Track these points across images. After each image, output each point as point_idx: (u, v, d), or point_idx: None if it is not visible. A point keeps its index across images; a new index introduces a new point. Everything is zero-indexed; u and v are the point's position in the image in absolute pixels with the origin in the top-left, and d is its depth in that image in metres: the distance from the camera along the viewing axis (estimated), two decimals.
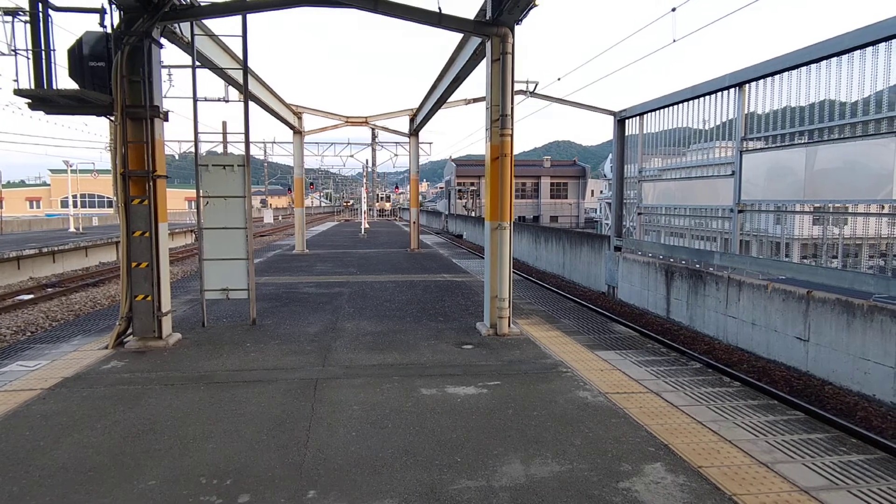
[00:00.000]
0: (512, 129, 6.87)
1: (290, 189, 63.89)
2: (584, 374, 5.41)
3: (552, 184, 54.38)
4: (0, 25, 5.92)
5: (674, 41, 10.85)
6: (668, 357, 6.12)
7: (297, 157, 18.46)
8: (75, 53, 6.11)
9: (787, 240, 8.76)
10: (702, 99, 10.38)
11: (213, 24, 8.58)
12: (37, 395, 4.79)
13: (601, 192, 50.18)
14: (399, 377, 5.29)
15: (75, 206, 34.77)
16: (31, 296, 14.00)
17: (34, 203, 66.14)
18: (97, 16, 6.11)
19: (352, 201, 73.89)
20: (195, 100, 7.03)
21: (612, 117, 13.58)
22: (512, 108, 6.86)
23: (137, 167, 6.29)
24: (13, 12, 5.87)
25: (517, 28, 6.90)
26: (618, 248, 13.54)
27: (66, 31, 8.24)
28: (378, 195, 59.64)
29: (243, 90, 7.50)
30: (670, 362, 5.89)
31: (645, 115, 12.49)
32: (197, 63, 7.27)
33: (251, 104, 10.63)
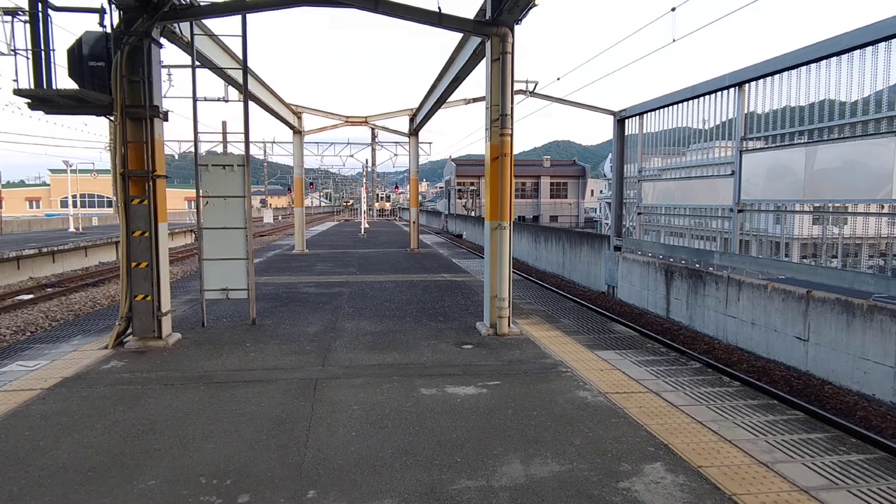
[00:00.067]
0: (512, 128, 6.87)
1: (290, 189, 63.91)
2: (583, 374, 5.41)
3: (552, 183, 54.40)
4: (0, 25, 5.92)
5: (673, 41, 10.86)
6: (667, 357, 6.12)
7: (297, 157, 18.46)
8: (75, 53, 6.11)
9: (786, 239, 8.76)
10: (701, 99, 10.38)
11: (213, 23, 8.58)
12: (36, 395, 4.79)
13: (601, 191, 50.19)
14: (399, 377, 5.29)
15: (75, 206, 34.76)
16: (30, 296, 14.00)
17: (34, 203, 66.13)
18: (97, 16, 6.11)
19: (351, 201, 73.91)
20: (195, 99, 7.03)
21: (611, 117, 13.58)
22: (512, 108, 6.86)
23: (137, 167, 6.29)
24: (13, 12, 5.87)
25: (517, 28, 6.90)
26: (617, 248, 13.54)
27: (66, 30, 8.24)
28: (378, 195, 59.64)
29: (243, 90, 7.50)
30: (670, 362, 5.89)
31: (645, 115, 12.49)
32: (197, 63, 7.27)
33: (251, 104, 10.63)
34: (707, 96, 10.19)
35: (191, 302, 9.07)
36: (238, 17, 7.11)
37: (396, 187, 75.26)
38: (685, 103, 10.92)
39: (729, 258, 9.64)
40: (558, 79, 15.53)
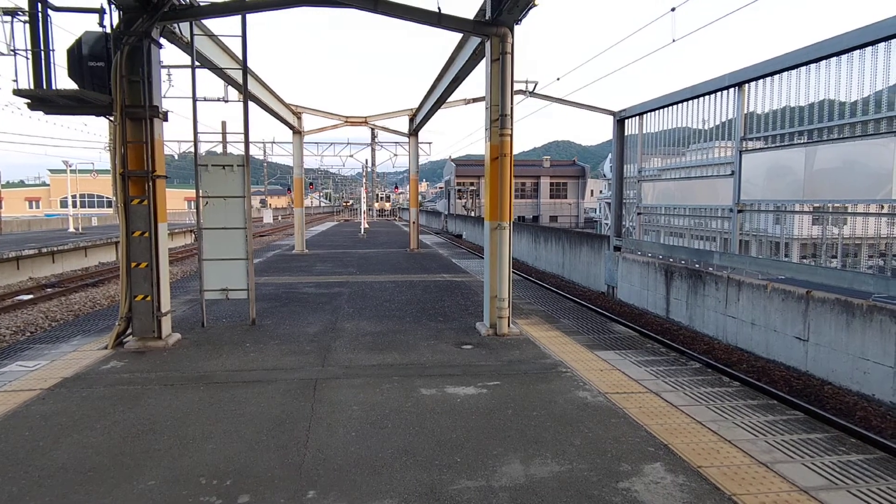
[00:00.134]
0: (511, 128, 6.87)
1: (290, 189, 63.92)
2: (583, 374, 5.41)
3: (552, 184, 54.42)
4: (0, 25, 5.92)
5: (673, 41, 10.86)
6: (667, 357, 6.13)
7: (297, 157, 18.46)
8: (74, 53, 6.11)
9: (786, 240, 8.77)
10: (701, 99, 10.38)
11: (213, 24, 8.58)
12: (36, 395, 4.79)
13: (601, 191, 50.19)
14: (399, 377, 5.29)
15: (75, 206, 34.75)
16: (30, 296, 14.00)
17: (33, 203, 66.13)
18: (96, 16, 6.11)
19: (351, 201, 73.91)
20: (194, 100, 7.03)
21: (611, 117, 13.59)
22: (511, 108, 6.86)
23: (137, 167, 6.28)
24: (12, 12, 5.87)
25: (517, 28, 6.90)
26: (617, 248, 13.54)
27: (66, 31, 8.23)
28: (378, 195, 59.66)
29: (243, 90, 7.50)
30: (670, 362, 5.89)
31: (644, 115, 12.49)
32: (196, 63, 7.27)
33: (251, 104, 10.63)
34: (707, 96, 10.20)
35: (191, 302, 9.07)
36: (238, 17, 7.12)
37: (396, 187, 75.28)
38: (685, 103, 10.92)
39: (729, 258, 9.64)
40: (558, 79, 15.53)
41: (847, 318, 7.03)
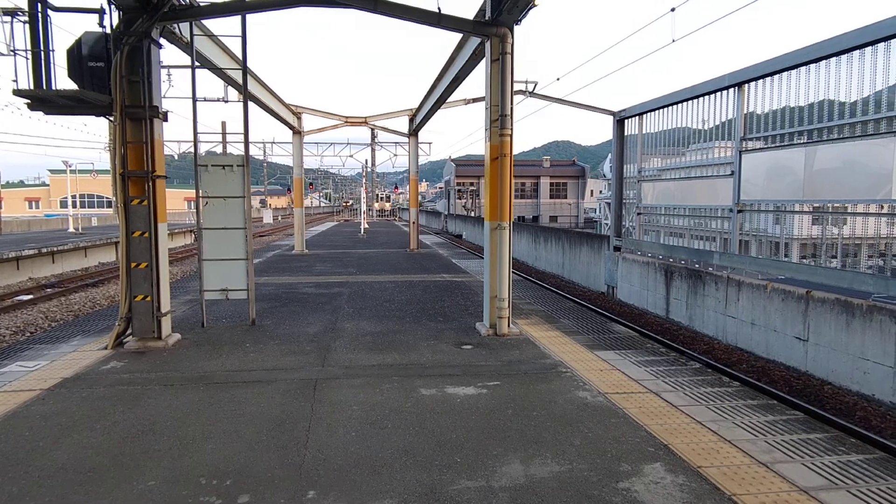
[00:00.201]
0: (511, 129, 6.87)
1: (290, 189, 63.91)
2: (583, 374, 5.41)
3: (551, 184, 54.42)
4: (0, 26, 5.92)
5: (673, 41, 10.86)
6: (667, 357, 6.13)
7: (297, 158, 18.46)
8: (74, 54, 6.11)
9: (786, 240, 8.77)
10: (701, 99, 10.38)
11: (213, 24, 8.58)
12: (36, 395, 4.79)
13: (600, 192, 50.20)
14: (399, 377, 5.29)
15: (74, 206, 34.75)
16: (30, 296, 13.99)
17: (33, 203, 66.12)
18: (96, 16, 6.11)
19: (351, 201, 73.89)
20: (194, 100, 7.03)
21: (611, 117, 13.59)
22: (511, 108, 6.86)
23: (137, 167, 6.28)
24: (12, 12, 5.87)
25: (516, 28, 6.90)
26: (617, 248, 13.54)
27: (65, 31, 8.24)
28: (377, 195, 59.65)
29: (242, 90, 7.50)
30: (670, 362, 5.89)
31: (644, 115, 12.49)
32: (196, 63, 7.27)
33: (250, 104, 10.62)
34: (706, 96, 10.20)
35: (190, 302, 9.07)
36: (238, 18, 7.12)
37: (396, 187, 75.27)
38: (685, 103, 10.92)
39: (728, 258, 9.64)
40: (558, 79, 15.54)
41: (847, 318, 7.03)
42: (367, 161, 39.99)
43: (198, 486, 3.28)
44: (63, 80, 6.21)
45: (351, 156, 40.71)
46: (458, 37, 10.05)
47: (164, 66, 6.91)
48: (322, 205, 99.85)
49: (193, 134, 7.07)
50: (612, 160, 14.44)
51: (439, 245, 22.14)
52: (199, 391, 4.92)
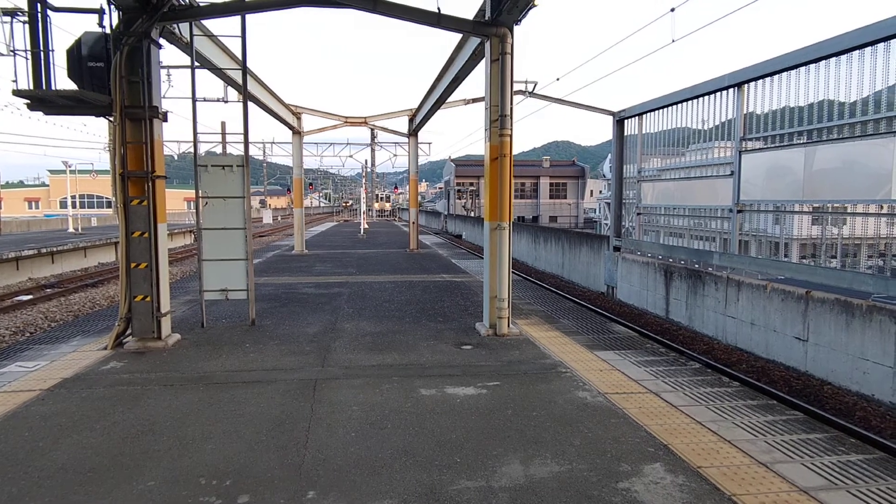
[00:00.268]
0: (511, 129, 6.87)
1: (290, 189, 63.91)
2: (583, 375, 5.41)
3: (551, 184, 54.42)
4: None
5: (673, 41, 10.86)
6: (667, 357, 6.13)
7: (297, 158, 18.45)
8: (74, 54, 6.11)
9: (786, 240, 8.77)
10: (701, 99, 10.38)
11: (212, 24, 8.58)
12: (36, 395, 4.79)
13: (600, 192, 50.20)
14: (398, 378, 5.29)
15: (74, 206, 34.75)
16: (30, 296, 13.99)
17: (33, 203, 66.11)
18: (96, 16, 6.11)
19: (351, 201, 73.89)
20: (194, 100, 7.03)
21: (611, 117, 13.59)
22: (511, 109, 6.86)
23: (136, 168, 6.28)
24: (12, 13, 5.87)
25: (516, 28, 6.90)
26: (617, 249, 13.55)
27: (65, 31, 8.24)
28: (377, 195, 59.65)
29: (242, 90, 7.50)
30: (669, 362, 5.89)
31: (644, 116, 12.49)
32: (196, 63, 7.27)
33: (250, 104, 10.62)
34: (706, 97, 10.20)
35: (190, 303, 9.07)
36: (237, 18, 7.12)
37: (396, 188, 75.25)
38: (684, 104, 10.92)
39: (728, 258, 9.64)
40: (558, 79, 15.53)
41: (846, 318, 7.03)
42: (366, 161, 40.02)
43: (197, 487, 3.28)
44: (63, 81, 6.22)
45: (351, 156, 40.76)
46: (457, 37, 10.05)
47: (163, 67, 6.91)
48: (322, 205, 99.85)
49: (193, 134, 7.07)
50: (611, 160, 14.44)
51: (439, 245, 22.14)
52: (199, 391, 4.92)
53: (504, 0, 6.52)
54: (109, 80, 6.07)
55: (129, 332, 6.49)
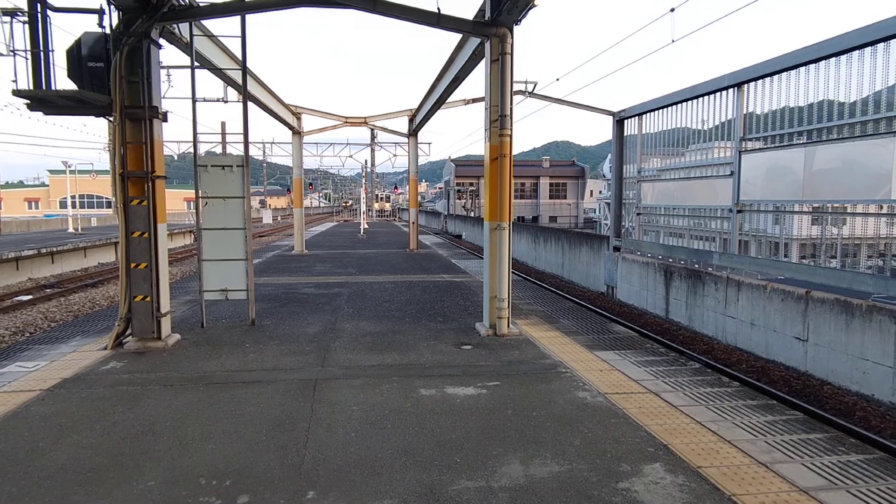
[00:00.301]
0: (511, 129, 6.87)
1: (289, 189, 63.88)
2: (583, 375, 5.41)
3: (551, 184, 54.42)
4: None
5: (672, 41, 10.86)
6: (667, 357, 6.13)
7: (296, 158, 18.45)
8: (74, 54, 6.11)
9: (785, 240, 8.77)
10: (701, 99, 10.38)
11: (212, 24, 8.59)
12: (36, 396, 4.79)
13: (600, 192, 50.20)
14: (398, 378, 5.29)
15: (74, 206, 34.75)
16: (29, 296, 13.98)
17: (33, 204, 66.10)
18: (96, 16, 6.11)
19: (351, 202, 73.87)
20: (194, 100, 7.03)
21: (610, 117, 13.59)
22: (511, 109, 6.86)
23: (136, 168, 6.28)
24: (12, 13, 5.87)
25: (516, 28, 6.90)
26: (617, 249, 13.55)
27: (65, 31, 8.24)
28: (377, 195, 59.64)
29: (242, 91, 7.50)
30: (669, 362, 5.89)
31: (644, 116, 12.50)
32: (196, 64, 7.27)
33: (250, 105, 10.62)
34: (706, 97, 10.20)
35: (190, 303, 9.07)
36: (237, 18, 7.12)
37: (396, 188, 75.25)
38: (684, 104, 10.93)
39: (728, 258, 9.64)
40: (557, 79, 15.53)
41: (846, 318, 7.03)
42: (366, 161, 40.01)
43: (197, 487, 3.28)
44: (63, 81, 6.22)
45: (350, 156, 40.75)
46: (457, 37, 10.05)
47: (163, 67, 6.91)
48: (322, 205, 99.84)
49: (193, 134, 7.07)
50: (611, 160, 14.44)
51: (439, 245, 22.14)
52: (199, 391, 4.92)
53: (504, 0, 6.52)
54: (109, 81, 6.07)
55: (128, 332, 6.49)
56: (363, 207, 32.79)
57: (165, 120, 6.68)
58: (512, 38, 6.81)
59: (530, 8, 6.52)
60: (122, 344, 6.39)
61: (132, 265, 6.34)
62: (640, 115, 12.60)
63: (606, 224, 26.75)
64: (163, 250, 6.54)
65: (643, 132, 12.60)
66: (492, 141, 6.93)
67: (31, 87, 5.83)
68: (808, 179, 7.99)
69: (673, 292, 10.96)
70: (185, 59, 7.23)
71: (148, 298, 6.36)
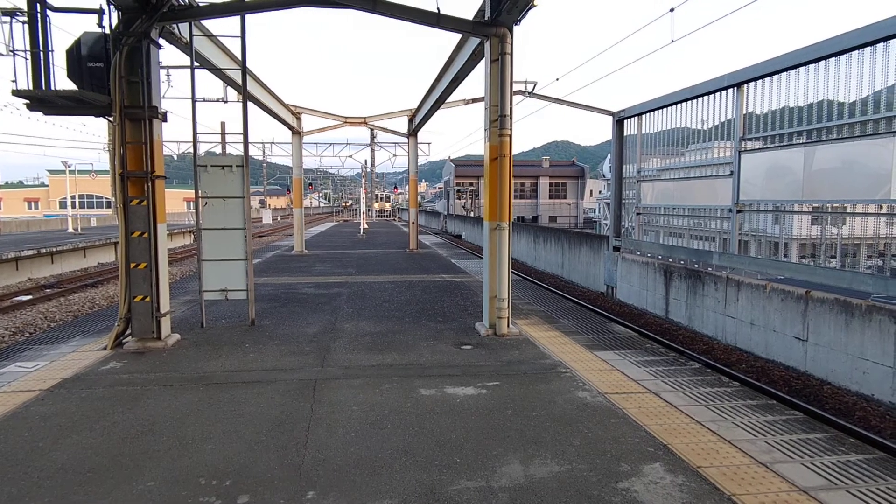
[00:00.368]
0: (511, 129, 6.87)
1: (289, 189, 63.86)
2: (583, 375, 5.41)
3: (551, 184, 54.41)
4: None
5: (672, 41, 10.86)
6: (666, 357, 6.13)
7: (296, 158, 18.45)
8: (74, 54, 6.10)
9: (785, 240, 8.77)
10: (700, 99, 10.39)
11: (212, 24, 8.58)
12: (35, 396, 4.79)
13: (600, 192, 50.19)
14: (398, 378, 5.29)
15: (74, 206, 34.74)
16: (29, 297, 13.98)
17: (32, 204, 66.09)
18: (95, 16, 6.11)
19: (350, 202, 73.87)
20: (194, 100, 7.03)
21: (610, 117, 13.59)
22: (511, 109, 6.86)
23: (136, 168, 6.28)
24: (11, 13, 5.86)
25: (516, 28, 6.90)
26: (616, 248, 13.55)
27: (65, 31, 8.23)
28: (377, 195, 59.63)
29: (242, 91, 7.50)
30: (669, 362, 5.89)
31: (643, 116, 12.50)
32: (195, 64, 7.27)
33: (250, 105, 10.62)
34: (706, 97, 10.20)
35: (190, 303, 9.06)
36: (237, 18, 7.11)
37: (395, 188, 75.24)
38: (684, 104, 10.93)
39: (728, 258, 9.64)
40: (557, 79, 15.54)
41: (846, 318, 7.04)
42: (366, 161, 40.00)
43: (197, 487, 3.28)
44: (62, 81, 6.22)
45: (350, 156, 40.80)
46: (457, 37, 10.05)
47: (163, 67, 6.91)
48: (321, 205, 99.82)
49: (193, 134, 7.07)
50: (611, 160, 14.44)
51: (439, 245, 22.14)
52: (199, 391, 4.92)
53: (504, 0, 6.52)
54: (109, 81, 6.07)
55: (128, 332, 6.48)
56: (363, 207, 32.78)
57: (165, 120, 6.67)
58: (512, 38, 6.81)
59: (530, 8, 6.52)
60: (121, 344, 6.39)
61: (132, 265, 6.33)
62: (639, 115, 12.60)
63: (606, 224, 26.76)
64: (162, 250, 6.54)
65: (643, 132, 12.61)
66: (491, 141, 6.93)
67: (31, 87, 5.83)
68: (807, 179, 7.99)
69: (673, 292, 10.96)
70: (185, 59, 7.23)
71: (148, 298, 6.36)
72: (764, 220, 9.29)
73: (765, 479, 3.37)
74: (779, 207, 8.73)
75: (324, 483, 3.33)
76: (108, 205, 56.85)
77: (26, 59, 5.83)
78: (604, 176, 42.23)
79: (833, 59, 7.45)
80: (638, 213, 12.96)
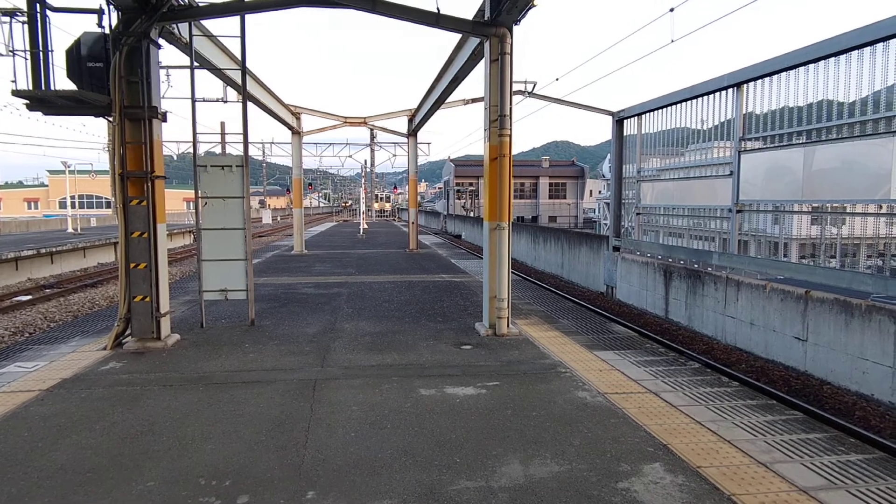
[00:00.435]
0: (510, 129, 6.87)
1: (289, 190, 63.84)
2: (582, 375, 5.41)
3: (551, 184, 54.42)
4: None
5: (672, 41, 10.87)
6: (666, 357, 6.13)
7: (296, 158, 18.45)
8: (73, 54, 6.10)
9: (785, 240, 8.77)
10: (700, 99, 10.39)
11: (212, 24, 8.58)
12: (35, 396, 4.78)
13: (599, 192, 50.19)
14: (398, 378, 5.29)
15: (73, 206, 34.73)
16: (29, 297, 13.97)
17: (32, 204, 66.07)
18: (95, 16, 6.11)
19: (350, 202, 73.87)
20: (193, 100, 7.03)
21: (610, 117, 13.59)
22: (510, 109, 6.86)
23: (136, 168, 6.28)
24: (11, 13, 5.86)
25: (515, 28, 6.90)
26: (616, 248, 13.55)
27: (64, 31, 8.23)
28: (377, 195, 59.63)
29: (241, 91, 7.50)
30: (669, 362, 5.90)
31: (643, 116, 12.50)
32: (195, 64, 7.27)
33: (249, 105, 10.61)
34: (705, 97, 10.20)
35: (190, 303, 9.06)
36: (237, 18, 7.11)
37: (395, 188, 75.21)
38: (684, 104, 10.93)
39: (727, 258, 9.65)
40: (557, 79, 15.54)
41: (846, 317, 7.04)
42: (366, 161, 40.02)
43: (197, 487, 3.28)
44: (62, 81, 6.21)
45: (350, 156, 40.81)
46: (457, 37, 10.05)
47: (162, 67, 6.91)
48: (321, 205, 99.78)
49: (192, 134, 7.07)
50: (611, 160, 14.43)
51: (438, 245, 22.14)
52: (199, 392, 4.91)
53: (503, 0, 6.52)
54: (109, 81, 6.07)
55: (128, 332, 6.48)
56: (363, 207, 32.79)
57: (165, 120, 6.67)
58: (511, 38, 6.81)
59: (530, 8, 6.52)
60: (121, 344, 6.38)
61: (132, 265, 6.33)
62: (639, 114, 12.60)
63: (606, 224, 26.76)
64: (162, 250, 6.54)
65: (643, 132, 12.61)
66: (491, 141, 6.93)
67: (31, 88, 5.83)
68: (807, 179, 8.00)
69: (672, 292, 10.96)
70: (185, 59, 7.23)
71: (147, 298, 6.36)
72: (764, 220, 9.29)
73: (765, 479, 3.37)
74: (778, 207, 8.73)
75: (324, 483, 3.33)
76: (108, 205, 56.84)
77: (26, 59, 5.83)
78: (603, 176, 42.24)
79: (833, 58, 7.45)
80: (638, 213, 12.96)
